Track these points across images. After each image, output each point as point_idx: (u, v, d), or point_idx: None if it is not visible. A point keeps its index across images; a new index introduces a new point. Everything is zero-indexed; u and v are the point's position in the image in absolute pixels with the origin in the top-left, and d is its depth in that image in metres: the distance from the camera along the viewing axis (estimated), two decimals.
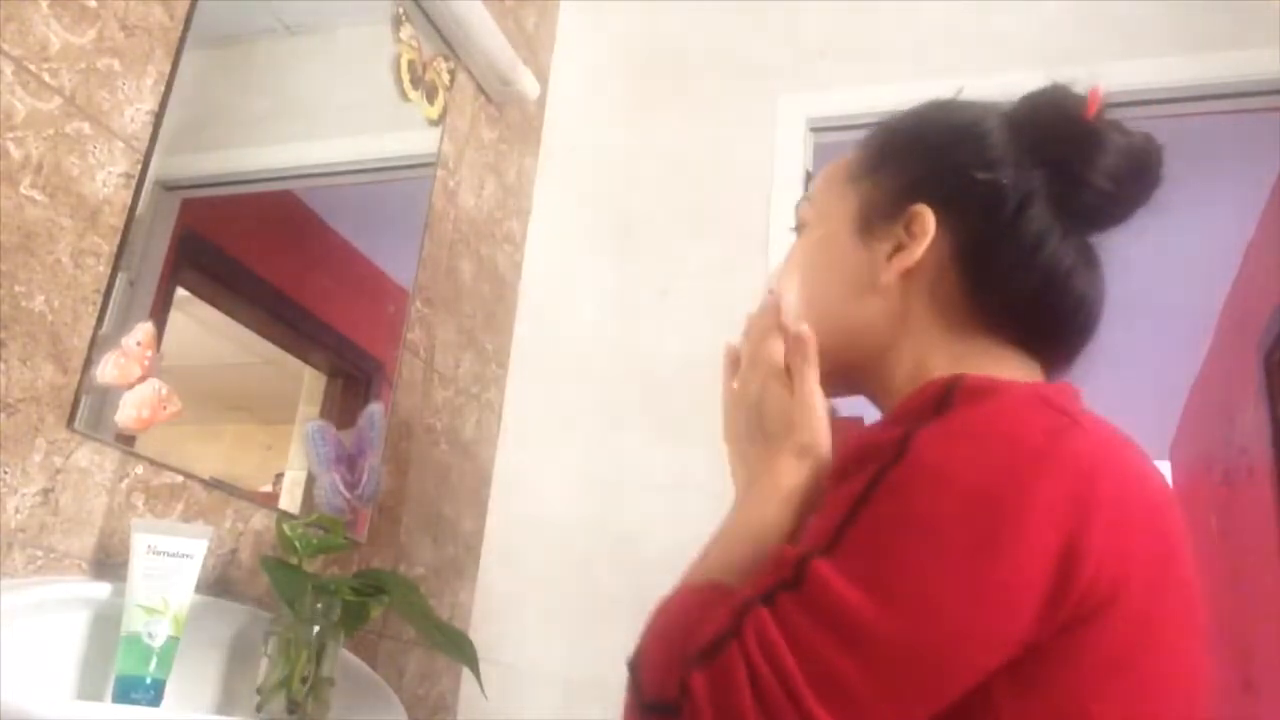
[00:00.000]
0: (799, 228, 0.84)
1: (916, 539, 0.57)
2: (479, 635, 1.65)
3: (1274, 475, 2.88)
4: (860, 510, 0.59)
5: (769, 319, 0.80)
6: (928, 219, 0.73)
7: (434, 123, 1.66)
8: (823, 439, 0.73)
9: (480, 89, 1.80)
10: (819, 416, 0.74)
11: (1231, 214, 3.00)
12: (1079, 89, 0.76)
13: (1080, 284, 0.74)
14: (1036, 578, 0.57)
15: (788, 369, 0.76)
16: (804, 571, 0.58)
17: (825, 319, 0.77)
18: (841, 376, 0.77)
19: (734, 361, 0.82)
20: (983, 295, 0.74)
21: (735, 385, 0.81)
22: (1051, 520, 0.57)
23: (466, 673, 1.45)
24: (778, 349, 0.77)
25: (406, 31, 1.59)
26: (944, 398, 0.64)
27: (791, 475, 0.72)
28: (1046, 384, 0.72)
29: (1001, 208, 0.73)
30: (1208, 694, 0.64)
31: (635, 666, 0.63)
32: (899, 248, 0.75)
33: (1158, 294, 3.09)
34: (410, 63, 1.59)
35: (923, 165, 0.77)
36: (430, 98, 1.64)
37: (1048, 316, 0.74)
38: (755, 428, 0.76)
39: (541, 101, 2.01)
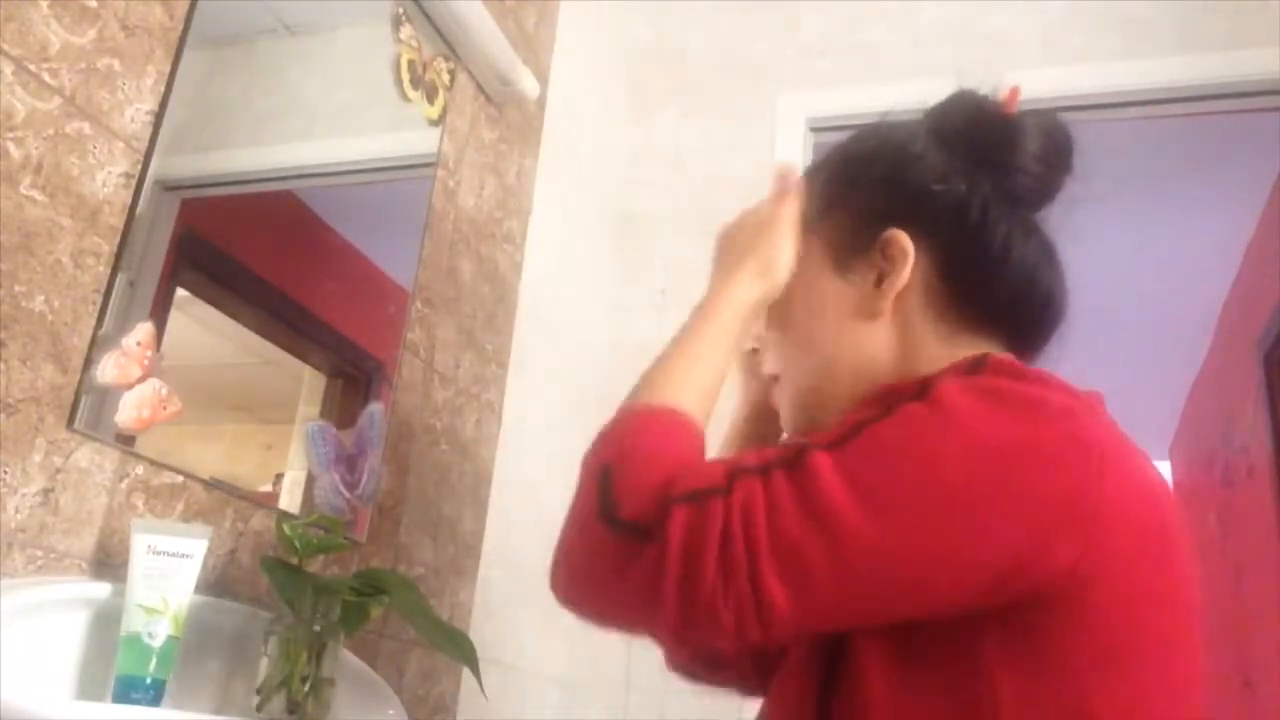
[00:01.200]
0: None
1: (917, 466, 0.60)
2: (479, 635, 1.65)
3: (1274, 474, 2.88)
4: (872, 425, 0.63)
5: (786, 202, 0.83)
6: (904, 240, 0.76)
7: (434, 123, 1.66)
8: (783, 265, 0.78)
9: (480, 89, 1.80)
10: (788, 244, 0.79)
11: (1231, 214, 3.00)
12: (982, 93, 0.82)
13: (1045, 276, 0.78)
14: (1019, 537, 0.59)
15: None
16: (804, 457, 0.61)
17: (834, 360, 0.78)
18: None
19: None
20: (970, 297, 0.77)
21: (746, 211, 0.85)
22: (1053, 487, 0.60)
23: (466, 673, 1.45)
24: (793, 208, 0.81)
25: (406, 31, 1.59)
26: (975, 365, 0.68)
27: (746, 289, 0.76)
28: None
29: (967, 212, 0.76)
30: (1204, 689, 0.65)
31: (609, 480, 0.65)
32: (882, 274, 0.77)
33: (1158, 294, 3.09)
34: (410, 63, 1.59)
35: (878, 193, 0.79)
36: (430, 98, 1.64)
37: (1024, 309, 0.78)
38: (740, 250, 0.80)
39: (541, 101, 2.01)
